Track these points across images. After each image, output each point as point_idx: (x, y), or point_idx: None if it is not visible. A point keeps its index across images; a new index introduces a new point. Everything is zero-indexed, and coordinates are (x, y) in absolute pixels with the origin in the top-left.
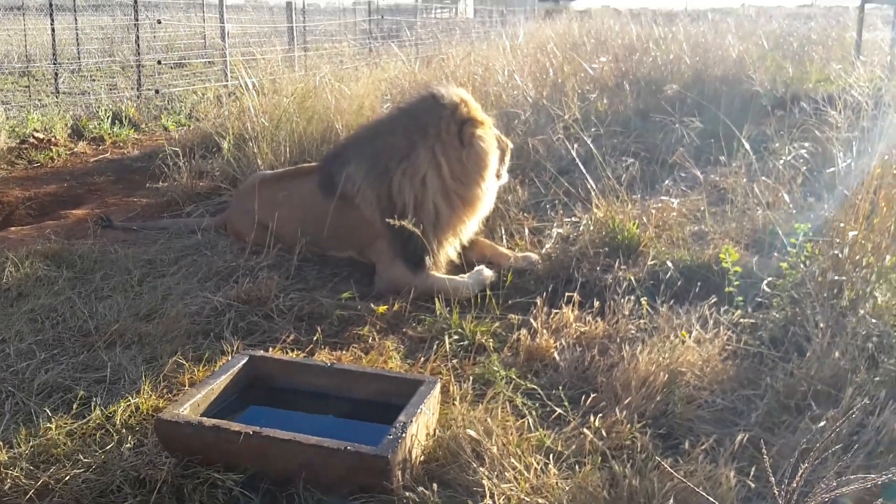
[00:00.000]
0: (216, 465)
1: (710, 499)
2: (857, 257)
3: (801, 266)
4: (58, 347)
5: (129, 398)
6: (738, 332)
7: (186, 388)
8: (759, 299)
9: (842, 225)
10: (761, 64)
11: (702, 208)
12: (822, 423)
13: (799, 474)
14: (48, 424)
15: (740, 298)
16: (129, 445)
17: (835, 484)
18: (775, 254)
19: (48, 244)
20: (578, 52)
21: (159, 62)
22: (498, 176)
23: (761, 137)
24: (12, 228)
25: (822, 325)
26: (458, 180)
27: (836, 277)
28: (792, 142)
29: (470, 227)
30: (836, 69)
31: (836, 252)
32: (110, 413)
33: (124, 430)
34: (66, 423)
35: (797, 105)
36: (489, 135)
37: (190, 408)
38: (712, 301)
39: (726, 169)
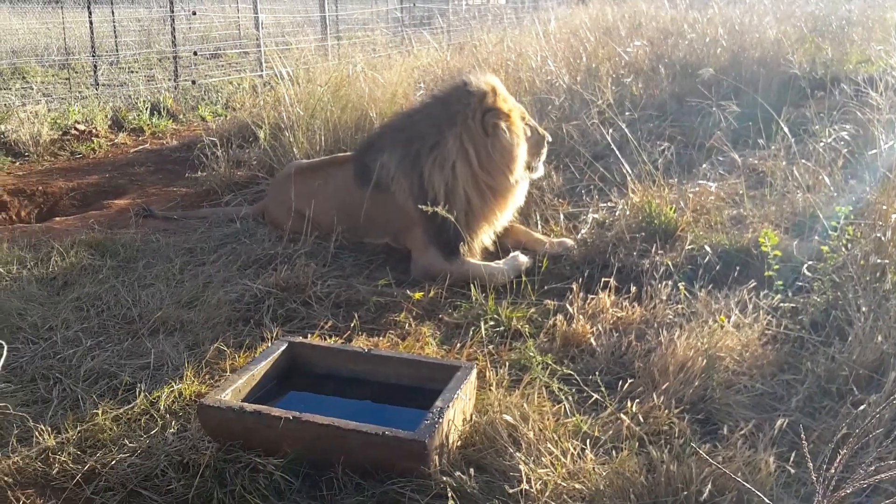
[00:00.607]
0: (257, 449)
1: (748, 485)
2: None
3: (843, 249)
4: (103, 335)
5: (173, 384)
6: (779, 317)
7: (228, 373)
8: (800, 283)
9: (884, 207)
10: (800, 46)
11: (740, 192)
12: (863, 408)
13: (838, 460)
14: (95, 410)
15: (780, 283)
16: (172, 430)
17: (874, 469)
18: (816, 237)
19: (92, 234)
20: (612, 37)
21: (195, 53)
22: (531, 169)
23: (801, 120)
24: (57, 219)
25: (864, 308)
26: (487, 170)
27: (879, 260)
28: (832, 124)
29: (503, 217)
30: (876, 50)
31: (878, 235)
32: (154, 399)
33: (168, 416)
34: (111, 409)
35: (837, 87)
36: (515, 125)
37: (231, 393)
38: (751, 285)
39: (765, 152)
